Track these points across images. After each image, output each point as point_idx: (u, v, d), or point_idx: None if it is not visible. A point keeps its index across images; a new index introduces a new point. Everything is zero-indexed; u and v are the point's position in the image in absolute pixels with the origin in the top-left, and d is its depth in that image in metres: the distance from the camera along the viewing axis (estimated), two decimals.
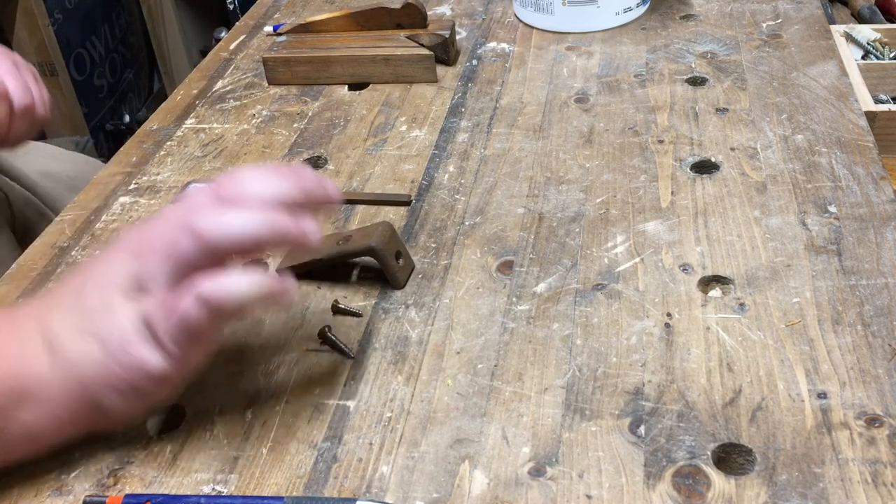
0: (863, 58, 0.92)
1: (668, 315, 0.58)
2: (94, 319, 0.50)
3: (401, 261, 0.63)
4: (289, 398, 0.55)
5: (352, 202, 0.73)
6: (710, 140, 0.75)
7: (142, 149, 0.84)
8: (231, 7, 2.19)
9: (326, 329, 0.59)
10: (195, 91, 0.93)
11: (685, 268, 0.62)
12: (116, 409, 0.50)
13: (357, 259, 0.64)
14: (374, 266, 0.64)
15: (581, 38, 0.95)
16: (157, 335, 0.48)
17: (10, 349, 0.51)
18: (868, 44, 0.93)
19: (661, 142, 0.76)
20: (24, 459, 0.52)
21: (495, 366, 0.56)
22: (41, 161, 1.02)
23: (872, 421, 0.50)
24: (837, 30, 0.92)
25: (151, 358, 0.49)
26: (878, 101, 0.86)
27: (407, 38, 0.91)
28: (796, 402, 0.52)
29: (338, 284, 0.64)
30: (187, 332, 0.48)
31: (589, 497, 0.47)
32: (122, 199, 0.76)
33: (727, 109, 0.80)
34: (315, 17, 0.96)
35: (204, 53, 1.25)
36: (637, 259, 0.63)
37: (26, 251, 0.71)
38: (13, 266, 0.70)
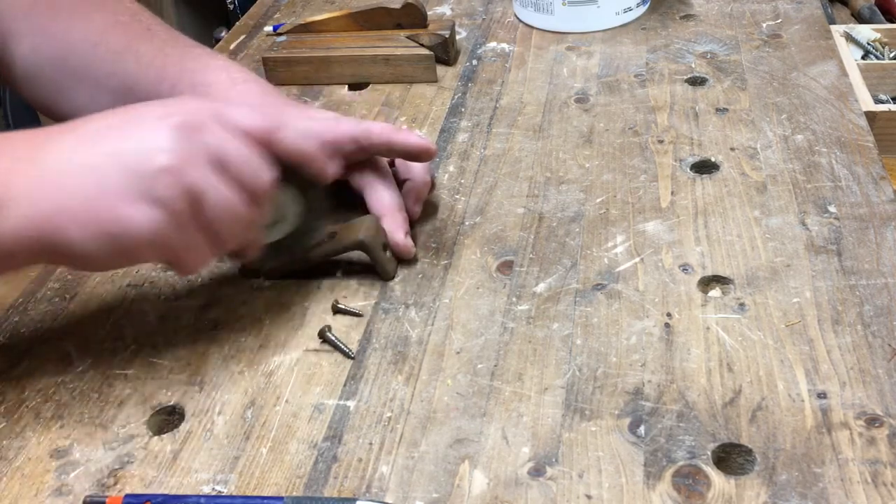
0: (863, 58, 0.92)
1: (668, 315, 0.58)
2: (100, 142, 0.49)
3: (388, 252, 0.63)
4: (289, 398, 0.55)
5: None
6: (709, 140, 0.75)
7: None
8: (231, 7, 2.19)
9: (326, 329, 0.59)
10: None
11: (685, 268, 0.62)
12: (85, 251, 0.48)
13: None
14: (358, 261, 0.64)
15: (581, 38, 0.95)
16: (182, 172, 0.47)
17: None
18: (868, 44, 0.93)
19: (660, 142, 0.76)
20: None
21: (495, 366, 0.56)
22: None
23: (872, 421, 0.50)
24: (837, 30, 0.92)
25: (137, 216, 0.47)
26: (877, 101, 0.86)
27: (407, 38, 0.91)
28: (796, 402, 0.52)
29: (338, 284, 0.64)
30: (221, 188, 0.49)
31: (589, 497, 0.47)
32: None
33: (727, 109, 0.79)
34: (315, 17, 0.96)
35: None
36: (637, 259, 0.63)
37: None
38: None
